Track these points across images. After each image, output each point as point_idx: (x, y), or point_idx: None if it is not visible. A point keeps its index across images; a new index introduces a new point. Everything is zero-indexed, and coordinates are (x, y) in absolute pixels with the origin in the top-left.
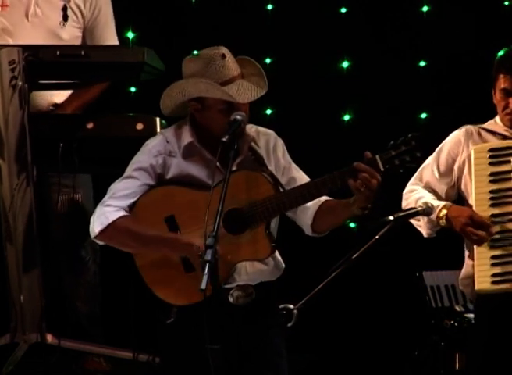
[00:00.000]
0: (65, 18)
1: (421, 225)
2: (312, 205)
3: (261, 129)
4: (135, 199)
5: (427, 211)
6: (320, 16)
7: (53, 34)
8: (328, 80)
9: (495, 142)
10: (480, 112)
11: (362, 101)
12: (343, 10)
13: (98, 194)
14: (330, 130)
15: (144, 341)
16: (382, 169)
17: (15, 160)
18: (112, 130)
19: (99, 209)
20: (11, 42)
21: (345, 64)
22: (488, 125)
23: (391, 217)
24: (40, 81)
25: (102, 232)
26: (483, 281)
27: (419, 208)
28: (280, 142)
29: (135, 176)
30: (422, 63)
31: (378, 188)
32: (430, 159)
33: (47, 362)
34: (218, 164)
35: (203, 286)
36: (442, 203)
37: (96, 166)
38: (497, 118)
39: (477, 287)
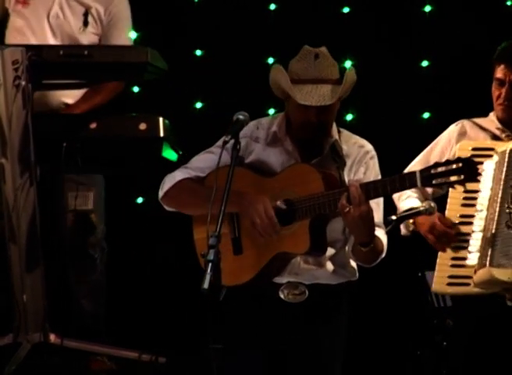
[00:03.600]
0: (86, 23)
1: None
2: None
3: (361, 141)
4: (206, 173)
5: (429, 211)
6: (322, 16)
7: (72, 38)
8: None
9: (480, 142)
10: (482, 112)
11: (365, 100)
12: (346, 10)
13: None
14: None
15: (148, 341)
16: (419, 185)
17: (18, 160)
18: (115, 130)
19: (172, 172)
20: (23, 42)
21: (347, 64)
22: (482, 120)
23: (393, 217)
24: (44, 81)
25: (168, 191)
26: (439, 282)
27: (421, 208)
28: (371, 161)
29: (213, 152)
30: (425, 63)
31: (357, 220)
32: (422, 154)
33: (50, 361)
34: (297, 156)
35: (205, 285)
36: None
37: (99, 166)
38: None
39: (433, 287)
